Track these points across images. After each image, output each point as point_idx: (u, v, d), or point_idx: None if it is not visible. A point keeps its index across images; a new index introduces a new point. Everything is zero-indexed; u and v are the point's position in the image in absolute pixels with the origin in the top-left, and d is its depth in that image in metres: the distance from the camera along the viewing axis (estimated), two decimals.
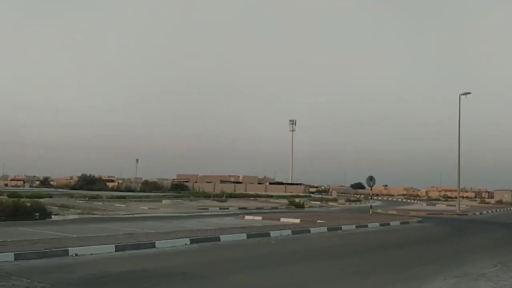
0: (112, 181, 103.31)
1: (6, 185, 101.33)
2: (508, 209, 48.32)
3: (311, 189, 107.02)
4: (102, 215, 25.70)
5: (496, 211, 42.33)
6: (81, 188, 76.53)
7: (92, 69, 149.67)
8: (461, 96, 38.25)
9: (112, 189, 79.34)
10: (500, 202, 64.67)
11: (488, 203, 64.24)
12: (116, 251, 11.15)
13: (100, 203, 36.41)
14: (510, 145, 56.24)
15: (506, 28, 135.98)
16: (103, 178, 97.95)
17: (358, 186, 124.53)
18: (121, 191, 73.75)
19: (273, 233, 15.77)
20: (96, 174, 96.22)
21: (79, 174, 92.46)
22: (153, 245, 12.07)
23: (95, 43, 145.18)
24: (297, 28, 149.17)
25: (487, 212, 39.57)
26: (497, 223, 26.24)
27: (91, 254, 10.64)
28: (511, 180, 60.97)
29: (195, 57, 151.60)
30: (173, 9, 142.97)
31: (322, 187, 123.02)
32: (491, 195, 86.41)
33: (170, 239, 12.96)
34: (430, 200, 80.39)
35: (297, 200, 46.49)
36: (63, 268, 9.00)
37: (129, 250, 11.33)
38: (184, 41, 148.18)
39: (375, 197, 74.20)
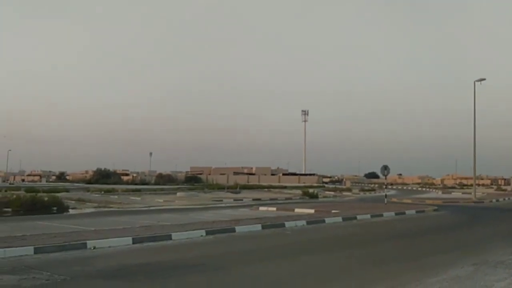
0: (127, 174, 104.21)
1: (23, 180, 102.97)
2: None
3: (325, 179, 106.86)
4: (118, 208, 25.98)
5: None
6: (96, 182, 77.37)
7: (105, 65, 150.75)
8: (476, 83, 37.68)
9: (127, 183, 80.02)
10: None
11: (505, 190, 63.46)
12: (133, 243, 11.27)
13: (116, 197, 36.80)
14: None
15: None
16: (118, 172, 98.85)
17: (372, 175, 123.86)
18: (136, 184, 74.37)
19: (288, 224, 15.78)
20: (111, 168, 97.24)
21: (94, 169, 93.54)
22: (169, 237, 12.16)
23: (106, 37, 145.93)
24: (308, 19, 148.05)
25: (504, 199, 39.07)
26: None
27: (109, 246, 10.77)
28: None
29: (208, 51, 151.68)
30: (184, 3, 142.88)
31: (336, 177, 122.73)
32: (507, 182, 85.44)
33: (186, 231, 13.05)
34: (445, 188, 79.68)
35: (310, 190, 46.43)
36: (82, 261, 9.13)
37: (146, 243, 11.44)
38: (196, 35, 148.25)
39: (389, 186, 73.83)
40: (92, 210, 24.82)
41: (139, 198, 35.02)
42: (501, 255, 10.06)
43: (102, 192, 42.03)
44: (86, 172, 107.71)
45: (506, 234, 14.70)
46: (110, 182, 74.94)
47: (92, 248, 10.49)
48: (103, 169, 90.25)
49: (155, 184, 77.08)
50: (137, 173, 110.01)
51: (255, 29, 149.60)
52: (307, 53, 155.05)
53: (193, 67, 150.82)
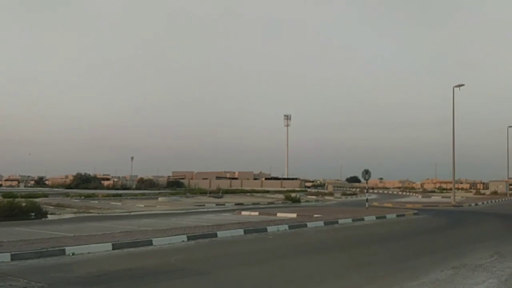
0: (108, 179, 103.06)
1: (0, 185, 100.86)
2: (503, 199, 48.66)
3: (307, 184, 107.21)
4: (98, 213, 25.63)
5: (491, 202, 42.59)
6: (76, 187, 76.31)
7: (86, 68, 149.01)
8: (455, 88, 38.41)
9: (108, 188, 79.09)
10: (495, 193, 65.09)
11: (483, 194, 64.64)
12: (113, 249, 11.12)
13: (96, 202, 36.28)
14: (504, 136, 56.64)
15: (502, 21, 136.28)
16: (98, 176, 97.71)
17: (353, 179, 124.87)
18: (117, 189, 73.53)
19: (270, 228, 15.78)
20: (91, 172, 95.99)
21: (74, 173, 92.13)
22: (150, 243, 12.04)
23: (89, 43, 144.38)
24: (291, 23, 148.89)
25: (482, 203, 39.78)
26: (493, 214, 26.41)
27: (88, 253, 10.61)
28: (506, 171, 61.63)
29: (190, 56, 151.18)
30: (166, 7, 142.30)
31: (318, 182, 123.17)
32: (486, 186, 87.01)
33: (167, 236, 12.94)
34: (425, 192, 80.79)
35: (293, 194, 46.54)
36: (60, 268, 8.97)
37: (126, 248, 11.31)
38: (178, 39, 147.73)
39: (370, 190, 74.53)
40: (72, 215, 24.43)
41: (119, 203, 34.60)
42: (479, 259, 10.22)
43: (82, 197, 41.41)
44: (66, 177, 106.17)
45: (485, 238, 14.94)
46: (91, 187, 73.97)
47: (71, 254, 10.31)
48: (83, 173, 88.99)
49: (137, 189, 76.37)
50: (118, 177, 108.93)
51: (237, 34, 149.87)
52: (289, 58, 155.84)
53: (175, 72, 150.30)
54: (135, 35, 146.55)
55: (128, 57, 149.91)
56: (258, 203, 38.10)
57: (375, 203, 37.74)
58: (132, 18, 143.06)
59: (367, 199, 31.34)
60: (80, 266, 9.10)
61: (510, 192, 67.47)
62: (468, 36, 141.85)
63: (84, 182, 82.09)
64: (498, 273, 8.61)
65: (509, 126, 59.66)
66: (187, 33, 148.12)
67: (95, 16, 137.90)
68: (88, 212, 26.08)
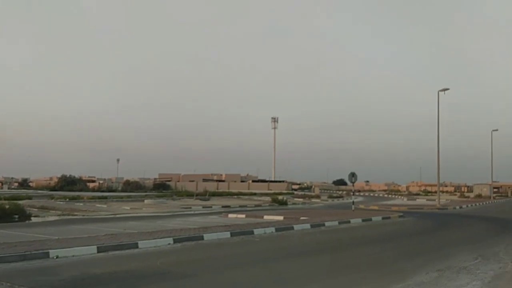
0: (93, 181, 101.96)
1: None
2: (487, 203, 49.32)
3: (294, 186, 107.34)
4: (83, 216, 25.37)
5: (475, 205, 43.14)
6: (61, 189, 75.31)
7: (72, 69, 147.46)
8: (440, 93, 38.90)
9: (93, 190, 78.23)
10: (479, 196, 65.93)
11: (468, 197, 65.45)
12: (98, 252, 11.01)
13: (81, 204, 35.91)
14: (488, 140, 57.56)
15: (488, 25, 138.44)
16: (84, 178, 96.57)
17: (340, 182, 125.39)
18: (103, 191, 72.79)
19: (256, 231, 15.77)
20: (77, 174, 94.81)
21: (59, 175, 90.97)
22: (136, 246, 11.95)
23: (75, 42, 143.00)
24: (279, 26, 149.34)
25: (467, 206, 40.27)
26: (477, 217, 26.73)
27: (73, 256, 10.48)
28: (490, 174, 62.78)
29: (177, 55, 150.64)
30: (154, 9, 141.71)
31: (305, 184, 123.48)
32: (470, 189, 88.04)
33: (153, 239, 12.85)
34: (410, 195, 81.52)
35: (280, 197, 46.60)
36: (44, 271, 8.85)
37: (111, 251, 11.20)
38: (164, 40, 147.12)
39: (357, 193, 74.97)
40: (56, 218, 24.13)
41: (105, 206, 34.28)
42: (463, 261, 10.34)
43: (67, 200, 40.94)
44: (51, 178, 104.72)
45: (469, 240, 15.11)
46: (76, 189, 73.07)
47: (55, 257, 10.18)
48: (68, 175, 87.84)
49: (122, 191, 75.64)
50: (104, 179, 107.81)
51: (225, 35, 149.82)
52: (277, 60, 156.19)
53: (161, 73, 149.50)
54: (120, 34, 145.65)
55: (114, 58, 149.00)
56: (245, 206, 38.06)
57: (361, 206, 37.97)
58: (117, 16, 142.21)
59: (353, 201, 31.53)
60: (64, 269, 8.99)
61: (494, 195, 68.50)
62: (454, 41, 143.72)
63: (69, 184, 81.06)
64: (481, 276, 8.71)
65: (493, 130, 60.54)
66: (174, 34, 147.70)
67: (79, 14, 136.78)
68: (72, 215, 25.78)
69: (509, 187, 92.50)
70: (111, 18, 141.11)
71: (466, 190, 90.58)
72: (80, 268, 9.14)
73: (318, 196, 63.40)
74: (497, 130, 61.13)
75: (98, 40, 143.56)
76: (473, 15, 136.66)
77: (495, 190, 76.85)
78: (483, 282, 8.17)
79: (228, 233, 14.93)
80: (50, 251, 10.37)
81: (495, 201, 56.46)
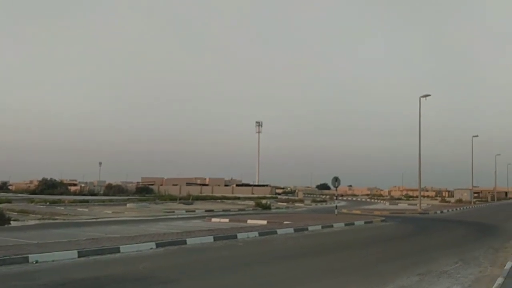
0: (75, 185, 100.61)
1: None
2: (467, 207, 50.05)
3: (278, 190, 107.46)
4: (64, 220, 24.99)
5: (456, 209, 43.73)
6: (41, 192, 74.08)
7: (54, 69, 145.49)
8: (421, 98, 39.47)
9: (75, 193, 77.15)
10: (459, 201, 66.87)
11: (448, 202, 66.29)
12: (79, 257, 10.85)
13: (62, 208, 35.34)
14: (468, 145, 58.72)
15: (472, 32, 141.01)
16: (65, 182, 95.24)
17: (323, 187, 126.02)
18: (84, 195, 71.87)
19: (240, 235, 15.74)
20: (58, 178, 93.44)
21: (40, 178, 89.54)
22: (117, 250, 11.81)
23: (57, 42, 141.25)
24: (262, 29, 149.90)
25: (447, 210, 40.82)
26: (457, 222, 27.12)
27: (53, 260, 10.31)
28: (471, 180, 63.98)
29: (160, 59, 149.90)
30: (138, 11, 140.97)
31: (289, 188, 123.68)
32: (451, 194, 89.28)
33: (135, 243, 12.73)
34: (392, 199, 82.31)
35: (263, 201, 46.59)
36: (23, 276, 8.69)
37: (92, 256, 11.05)
38: (148, 42, 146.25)
39: (340, 198, 75.28)
40: (36, 222, 23.71)
41: (86, 210, 33.83)
42: (444, 265, 10.48)
43: (47, 203, 40.26)
44: (31, 182, 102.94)
45: (449, 245, 15.31)
46: (57, 192, 71.95)
47: (34, 262, 10.00)
48: (49, 179, 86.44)
49: (104, 195, 74.75)
50: (86, 183, 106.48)
51: (210, 37, 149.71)
52: (261, 64, 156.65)
53: (144, 75, 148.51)
54: (105, 36, 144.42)
55: (97, 60, 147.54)
56: (229, 210, 37.96)
57: (344, 210, 38.19)
58: (101, 17, 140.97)
59: (336, 206, 31.68)
60: (43, 274, 8.84)
61: (475, 200, 69.56)
62: (435, 47, 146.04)
63: (49, 187, 79.82)
64: (462, 280, 8.84)
65: (474, 136, 61.63)
66: (158, 36, 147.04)
67: (63, 13, 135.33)
68: (53, 219, 25.37)
69: (489, 192, 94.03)
70: (96, 18, 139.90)
71: (447, 195, 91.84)
72: (60, 273, 9.00)
73: (301, 201, 63.55)
74: (477, 136, 62.32)
75: (82, 41, 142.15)
76: (457, 22, 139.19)
77: (475, 195, 78.05)
78: (463, 286, 8.29)
79: (211, 237, 14.87)
80: (29, 255, 10.19)
81: (475, 206, 57.33)
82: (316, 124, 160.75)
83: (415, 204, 47.34)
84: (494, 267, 10.23)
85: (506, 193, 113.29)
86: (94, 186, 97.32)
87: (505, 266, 9.70)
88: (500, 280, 8.01)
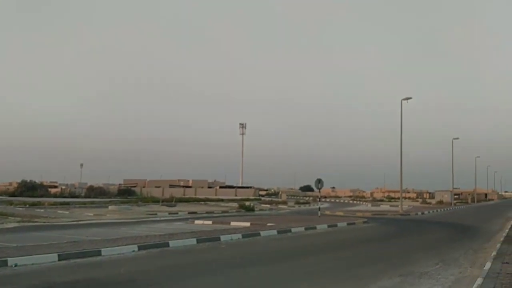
0: (55, 186, 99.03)
1: None
2: (448, 209, 50.81)
3: (261, 192, 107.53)
4: (44, 222, 24.59)
5: (437, 211, 44.35)
6: (21, 194, 72.75)
7: (34, 68, 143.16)
8: (403, 101, 39.97)
9: (55, 195, 76.01)
10: (440, 202, 67.81)
11: (429, 203, 67.18)
12: (59, 260, 10.68)
13: (42, 210, 34.80)
14: (449, 148, 59.96)
15: (451, 35, 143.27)
16: (45, 184, 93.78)
17: (307, 188, 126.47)
18: (65, 197, 70.79)
19: (223, 237, 15.70)
20: (38, 179, 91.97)
21: (19, 180, 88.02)
22: (98, 253, 11.67)
23: (36, 42, 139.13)
24: (244, 31, 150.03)
25: (428, 212, 41.37)
26: (438, 223, 27.49)
27: (32, 264, 10.13)
28: (451, 181, 65.00)
29: (142, 58, 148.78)
30: (118, 8, 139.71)
31: (272, 190, 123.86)
32: (432, 195, 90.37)
33: (117, 246, 12.59)
34: (374, 201, 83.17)
35: (247, 203, 46.56)
36: (1, 280, 8.53)
37: (73, 259, 10.89)
38: (130, 41, 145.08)
39: (323, 199, 75.79)
40: (15, 224, 23.25)
41: (67, 212, 33.35)
42: (425, 266, 10.60)
43: (27, 206, 39.58)
44: (10, 184, 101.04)
45: (430, 246, 15.50)
46: (36, 194, 70.81)
47: (13, 265, 9.81)
48: (28, 180, 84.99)
49: (86, 197, 73.76)
50: (67, 185, 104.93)
51: (191, 38, 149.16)
52: (245, 66, 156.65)
53: (127, 75, 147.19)
54: (87, 38, 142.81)
55: (76, 61, 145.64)
56: (212, 212, 37.83)
57: (327, 212, 38.39)
58: (82, 19, 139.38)
59: (319, 207, 31.86)
60: (23, 278, 8.68)
61: (455, 201, 70.65)
62: (417, 50, 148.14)
63: (29, 189, 78.43)
64: (442, 280, 8.96)
65: (454, 138, 62.58)
66: (141, 36, 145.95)
67: (44, 12, 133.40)
68: (33, 221, 24.92)
69: (469, 194, 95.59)
70: (77, 19, 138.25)
71: (428, 197, 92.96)
72: (40, 277, 8.85)
73: (285, 202, 63.70)
74: (458, 138, 63.33)
75: (64, 42, 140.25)
76: (438, 25, 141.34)
77: (455, 196, 79.25)
78: (444, 287, 8.40)
79: (194, 239, 14.80)
80: (8, 259, 10.00)
81: (456, 207, 58.24)
82: (300, 126, 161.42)
83: (397, 206, 47.85)
84: (474, 268, 10.40)
85: (486, 195, 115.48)
86: (75, 188, 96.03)
87: (484, 266, 9.85)
88: (479, 281, 8.14)
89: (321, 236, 18.42)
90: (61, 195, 78.73)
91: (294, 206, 55.50)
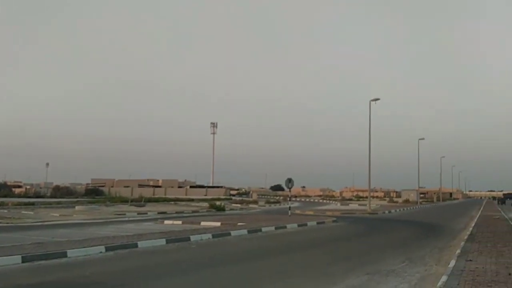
0: (19, 186, 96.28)
1: None
2: (414, 207, 52.00)
3: (232, 192, 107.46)
4: (7, 223, 23.83)
5: (403, 209, 45.32)
6: None
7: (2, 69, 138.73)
8: (371, 102, 40.68)
9: (19, 195, 73.84)
10: (407, 201, 69.41)
11: (396, 202, 68.64)
12: (23, 262, 10.38)
13: (5, 211, 33.70)
14: (415, 148, 61.79)
15: (420, 38, 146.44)
16: (9, 183, 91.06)
17: (277, 188, 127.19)
18: (30, 197, 68.87)
19: (193, 237, 15.58)
20: (1, 179, 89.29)
21: None
22: (64, 255, 11.38)
23: (12, 43, 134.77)
24: (218, 31, 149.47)
25: (395, 211, 42.24)
26: (404, 221, 28.10)
27: None
28: (417, 181, 66.90)
29: (113, 55, 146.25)
30: (96, 7, 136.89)
31: (243, 190, 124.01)
32: (398, 194, 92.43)
33: (83, 247, 12.31)
34: (344, 200, 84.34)
35: (218, 203, 46.39)
36: None
37: (37, 261, 10.59)
38: (103, 38, 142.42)
39: (293, 199, 76.34)
40: None
41: (32, 213, 32.41)
42: (392, 264, 10.80)
43: None
44: None
45: (397, 244, 15.81)
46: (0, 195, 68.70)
47: None
48: None
49: (52, 197, 71.96)
50: (32, 185, 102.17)
51: (163, 36, 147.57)
52: (217, 65, 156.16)
53: (96, 72, 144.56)
54: (59, 34, 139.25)
55: (45, 59, 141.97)
56: (182, 212, 37.51)
57: (297, 211, 38.68)
58: (59, 16, 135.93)
59: (290, 207, 32.04)
60: None
61: (421, 200, 72.40)
62: (386, 52, 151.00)
63: None
64: (408, 278, 9.14)
65: (420, 139, 64.15)
66: (115, 34, 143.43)
67: (24, 11, 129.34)
68: None
69: (435, 193, 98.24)
70: (53, 16, 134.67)
71: (395, 196, 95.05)
72: (2, 279, 8.57)
73: (255, 202, 63.82)
74: (423, 139, 64.99)
75: (35, 40, 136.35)
76: (410, 27, 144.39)
77: (421, 195, 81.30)
78: (410, 285, 8.57)
79: (164, 240, 14.63)
80: None
81: (422, 206, 59.67)
82: (271, 126, 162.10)
83: (365, 205, 48.67)
84: (439, 266, 10.66)
85: (450, 194, 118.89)
86: (40, 188, 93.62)
87: (449, 264, 10.11)
88: (444, 278, 8.34)
89: (291, 236, 18.53)
90: (26, 195, 76.55)
91: (264, 206, 55.66)
